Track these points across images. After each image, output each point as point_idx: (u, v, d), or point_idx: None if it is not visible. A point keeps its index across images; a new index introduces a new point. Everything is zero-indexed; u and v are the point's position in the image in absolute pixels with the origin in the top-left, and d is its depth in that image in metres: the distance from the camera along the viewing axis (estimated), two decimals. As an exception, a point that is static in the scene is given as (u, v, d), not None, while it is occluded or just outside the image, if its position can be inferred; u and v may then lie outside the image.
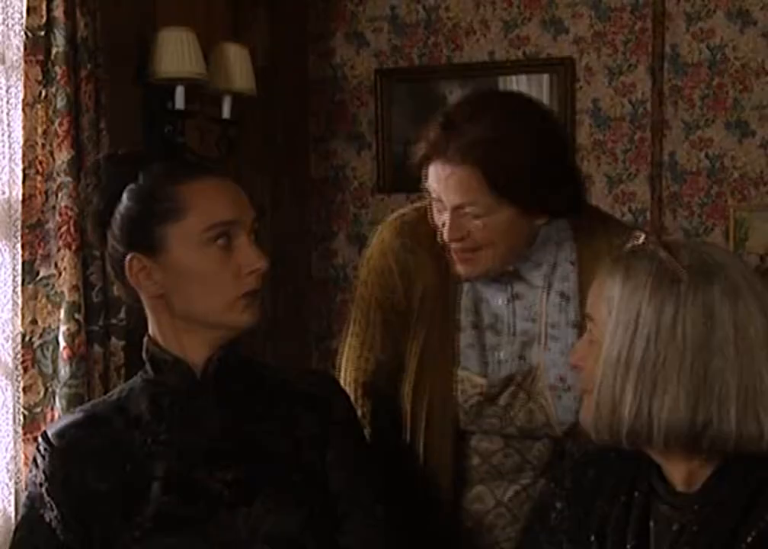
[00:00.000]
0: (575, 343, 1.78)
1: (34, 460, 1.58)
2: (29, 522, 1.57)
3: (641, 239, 1.37)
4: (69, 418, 1.63)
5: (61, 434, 1.58)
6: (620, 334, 1.32)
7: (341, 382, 1.97)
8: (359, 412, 1.91)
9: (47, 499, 1.55)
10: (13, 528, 2.55)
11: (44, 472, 1.56)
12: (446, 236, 1.77)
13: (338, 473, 1.61)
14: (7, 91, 2.59)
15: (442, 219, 1.77)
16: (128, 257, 1.55)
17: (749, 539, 1.30)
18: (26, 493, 1.60)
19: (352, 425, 1.69)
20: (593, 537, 1.42)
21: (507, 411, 1.87)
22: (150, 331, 1.62)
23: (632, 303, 1.32)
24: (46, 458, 1.56)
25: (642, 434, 1.32)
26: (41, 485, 1.56)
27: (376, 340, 1.95)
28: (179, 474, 1.54)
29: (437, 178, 1.74)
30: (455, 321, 1.88)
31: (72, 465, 1.55)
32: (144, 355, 1.62)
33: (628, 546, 1.38)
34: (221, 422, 1.58)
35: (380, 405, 1.97)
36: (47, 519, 1.54)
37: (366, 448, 1.73)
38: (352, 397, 1.94)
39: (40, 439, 1.59)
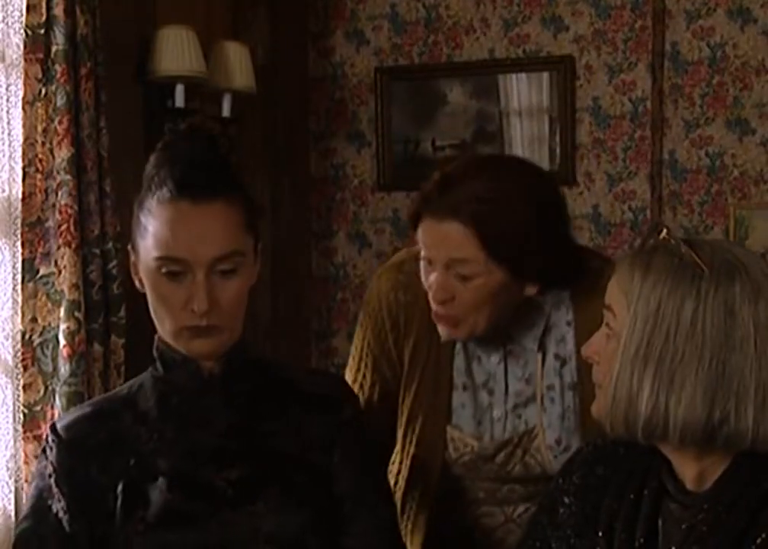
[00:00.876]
0: (572, 404, 1.79)
1: (43, 451, 1.59)
2: (36, 513, 1.57)
3: (663, 234, 1.36)
4: (78, 412, 1.64)
5: (69, 427, 1.59)
6: (639, 328, 1.31)
7: None
8: None
9: (55, 490, 1.56)
10: (13, 526, 2.56)
11: (52, 463, 1.57)
12: (431, 297, 1.72)
13: (344, 475, 1.61)
14: (7, 89, 2.59)
15: (430, 280, 1.73)
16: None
17: (759, 540, 1.29)
18: (33, 484, 1.60)
19: (360, 428, 1.68)
20: (600, 534, 1.41)
21: (502, 467, 1.84)
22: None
23: (652, 298, 1.31)
24: (54, 450, 1.57)
25: (658, 429, 1.31)
26: (50, 476, 1.56)
27: (366, 380, 1.93)
28: (184, 472, 1.54)
29: (429, 234, 1.70)
30: (449, 378, 1.85)
31: (77, 458, 1.56)
32: (154, 353, 1.62)
33: (637, 543, 1.37)
34: (228, 421, 1.58)
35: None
36: (54, 510, 1.55)
37: (374, 451, 1.72)
38: None
39: (48, 431, 1.60)
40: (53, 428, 1.59)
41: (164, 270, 1.50)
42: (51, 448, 1.57)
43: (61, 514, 1.54)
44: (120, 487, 1.54)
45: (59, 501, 1.55)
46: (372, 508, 1.62)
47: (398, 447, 1.92)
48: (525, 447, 1.83)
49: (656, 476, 1.40)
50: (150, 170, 1.55)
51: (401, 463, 1.92)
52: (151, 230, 1.51)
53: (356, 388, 1.93)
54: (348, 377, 1.96)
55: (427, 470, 1.87)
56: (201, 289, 1.49)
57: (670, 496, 1.39)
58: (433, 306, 1.74)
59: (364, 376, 1.94)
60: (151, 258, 1.51)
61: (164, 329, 1.55)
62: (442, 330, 1.77)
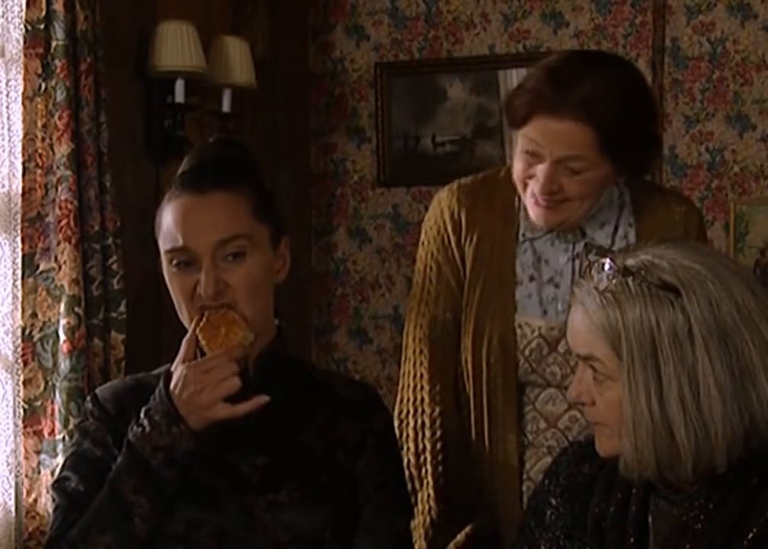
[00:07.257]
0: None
1: (85, 414, 1.66)
2: (78, 459, 1.62)
3: (610, 268, 1.32)
4: (118, 383, 1.73)
5: (108, 396, 1.66)
6: (640, 364, 1.29)
7: (404, 349, 2.02)
8: (417, 373, 1.97)
9: (101, 441, 1.61)
10: (13, 521, 2.57)
11: (95, 423, 1.63)
12: (537, 189, 1.80)
13: (366, 482, 1.63)
14: (6, 85, 2.59)
15: (530, 171, 1.80)
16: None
17: (750, 535, 1.29)
18: (73, 443, 1.66)
19: (388, 438, 1.71)
20: (590, 534, 1.40)
21: (566, 359, 1.88)
22: None
23: (643, 330, 1.28)
24: (96, 412, 1.64)
25: (705, 456, 1.29)
26: (96, 430, 1.63)
27: (431, 294, 1.98)
28: (212, 452, 1.58)
29: (543, 131, 1.77)
30: (513, 274, 1.92)
31: (117, 421, 1.61)
32: None
33: (628, 543, 1.37)
34: (262, 413, 1.60)
35: (438, 360, 1.98)
36: (98, 453, 1.60)
37: (399, 462, 1.74)
38: (411, 356, 1.98)
39: (89, 398, 1.68)
40: (94, 395, 1.67)
41: (174, 262, 1.58)
42: (92, 411, 1.64)
43: (107, 458, 1.59)
44: None
45: (106, 449, 1.60)
46: (388, 517, 1.64)
47: (467, 356, 1.94)
48: None
49: None
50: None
51: (475, 367, 1.93)
52: (162, 227, 1.60)
53: (422, 307, 1.99)
54: (413, 304, 2.01)
55: (505, 363, 1.91)
56: (206, 274, 1.55)
57: (658, 493, 1.38)
58: (539, 197, 1.82)
59: (429, 292, 1.98)
60: (163, 253, 1.60)
61: (185, 321, 1.61)
62: (538, 214, 1.84)
